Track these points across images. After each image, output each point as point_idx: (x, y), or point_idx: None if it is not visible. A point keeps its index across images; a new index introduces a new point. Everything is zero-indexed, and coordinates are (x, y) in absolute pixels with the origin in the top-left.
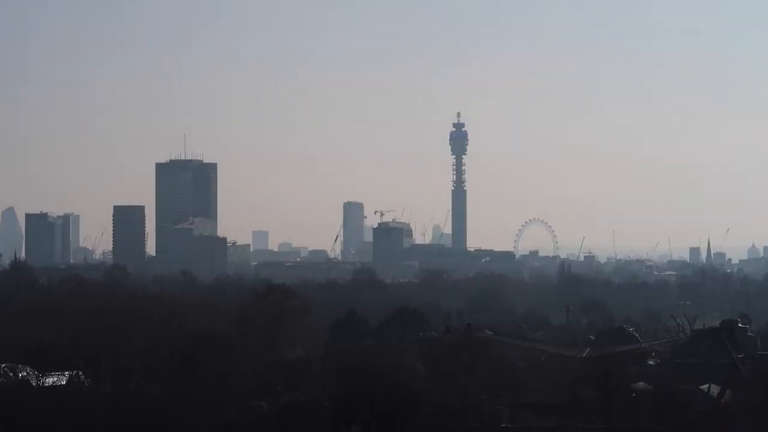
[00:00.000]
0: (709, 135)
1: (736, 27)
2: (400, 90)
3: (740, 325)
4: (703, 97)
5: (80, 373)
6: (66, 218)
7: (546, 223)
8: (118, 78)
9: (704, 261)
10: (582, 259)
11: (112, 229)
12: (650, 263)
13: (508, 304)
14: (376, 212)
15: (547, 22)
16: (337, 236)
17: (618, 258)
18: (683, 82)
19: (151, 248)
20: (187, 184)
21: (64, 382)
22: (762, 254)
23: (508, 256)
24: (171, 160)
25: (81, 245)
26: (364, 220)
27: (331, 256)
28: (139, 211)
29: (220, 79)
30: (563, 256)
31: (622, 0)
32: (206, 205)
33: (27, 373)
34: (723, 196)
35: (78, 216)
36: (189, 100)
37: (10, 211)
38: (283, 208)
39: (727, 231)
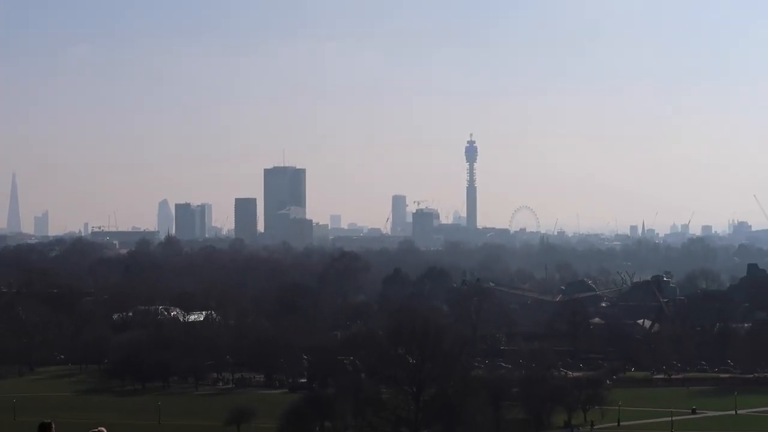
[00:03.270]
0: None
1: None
2: (432, 117)
3: (665, 279)
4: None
5: (213, 312)
6: (202, 207)
7: (531, 209)
8: (241, 104)
9: (640, 235)
10: (556, 233)
11: (234, 214)
12: (603, 236)
13: (505, 265)
14: (414, 202)
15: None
16: (388, 218)
17: (581, 233)
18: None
19: (260, 227)
20: (285, 183)
21: (201, 319)
22: (680, 230)
23: (505, 232)
24: (274, 167)
25: (213, 225)
26: (406, 207)
27: (384, 232)
28: (252, 202)
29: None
30: (543, 231)
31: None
32: (298, 197)
33: (176, 312)
34: (656, 185)
35: (211, 205)
36: (286, 122)
37: (164, 201)
38: (351, 198)
39: (656, 214)
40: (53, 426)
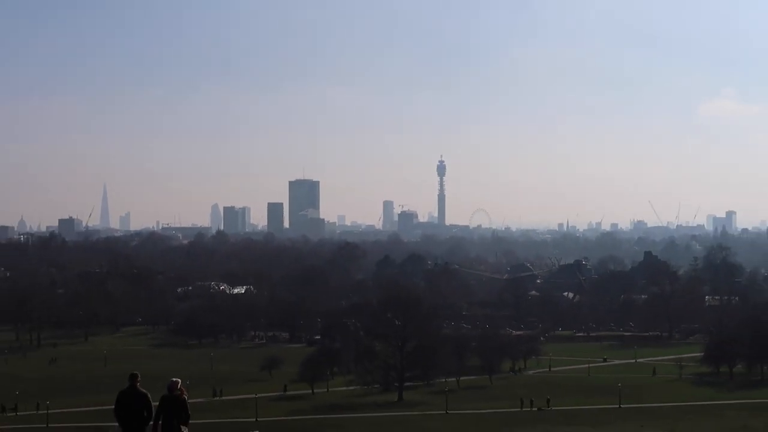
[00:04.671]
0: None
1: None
2: (412, 142)
3: (583, 263)
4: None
5: (251, 287)
6: (243, 209)
7: (485, 211)
8: (272, 132)
9: (565, 230)
10: (503, 229)
11: (267, 214)
12: (538, 231)
13: (466, 252)
14: (399, 205)
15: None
16: (380, 218)
17: (522, 229)
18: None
19: (286, 224)
20: (304, 192)
21: (242, 291)
22: (594, 227)
23: (466, 228)
24: (296, 180)
25: (251, 222)
26: (394, 210)
27: (377, 228)
28: (280, 205)
29: (319, 135)
30: (494, 227)
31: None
32: (314, 202)
33: (224, 286)
34: (577, 194)
35: (249, 208)
36: (305, 146)
37: (215, 205)
38: (352, 203)
39: (577, 215)
40: (138, 376)
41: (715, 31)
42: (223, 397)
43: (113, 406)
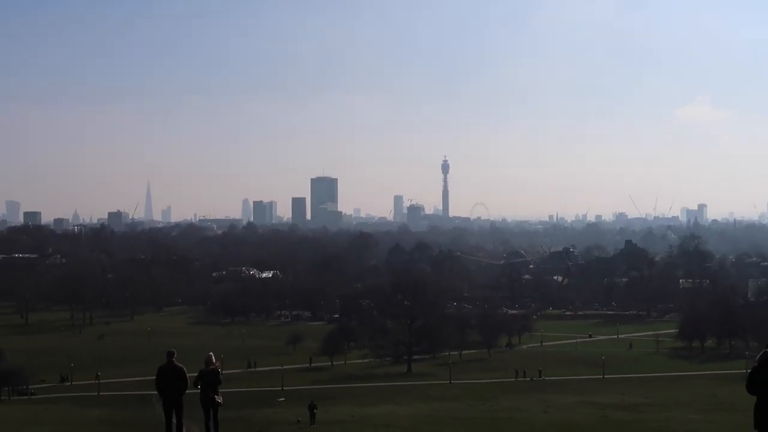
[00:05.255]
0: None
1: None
2: (421, 144)
3: (571, 250)
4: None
5: (277, 271)
6: (271, 203)
7: (484, 204)
8: (296, 136)
9: (555, 221)
10: (500, 220)
11: (291, 208)
12: (531, 222)
13: (467, 241)
14: (408, 199)
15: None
16: (391, 210)
17: (517, 220)
18: None
19: (308, 216)
20: (324, 187)
21: (270, 275)
22: (581, 218)
23: (467, 219)
24: (317, 177)
25: (277, 215)
26: (403, 203)
27: (389, 220)
28: (303, 200)
29: (339, 139)
30: (492, 219)
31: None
32: (333, 197)
33: (254, 271)
34: (568, 189)
35: (276, 202)
36: (325, 148)
37: (246, 200)
38: (367, 197)
39: (565, 207)
40: (175, 353)
41: (691, 43)
42: (257, 368)
43: (155, 378)
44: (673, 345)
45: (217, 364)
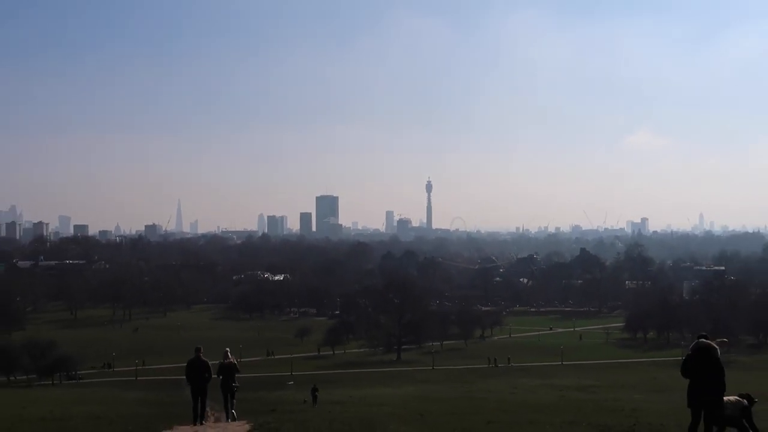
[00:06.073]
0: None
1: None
2: (408, 166)
3: (534, 256)
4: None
5: (288, 275)
6: (282, 217)
7: (462, 218)
8: (302, 159)
9: (521, 232)
10: (476, 231)
11: (299, 221)
12: (501, 233)
13: (447, 249)
14: (398, 214)
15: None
16: (383, 223)
17: (489, 231)
18: None
19: (314, 228)
20: (327, 204)
21: (281, 278)
22: (543, 230)
23: (448, 231)
24: (321, 195)
25: (287, 227)
26: (394, 217)
27: (381, 231)
28: (309, 214)
29: (336, 162)
30: (468, 230)
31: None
32: (334, 212)
33: (268, 275)
34: (531, 206)
35: (287, 216)
36: (326, 170)
37: (261, 214)
38: (363, 212)
39: (530, 220)
40: (201, 348)
41: (639, 82)
42: (275, 356)
43: (185, 369)
44: (620, 336)
45: (232, 358)
